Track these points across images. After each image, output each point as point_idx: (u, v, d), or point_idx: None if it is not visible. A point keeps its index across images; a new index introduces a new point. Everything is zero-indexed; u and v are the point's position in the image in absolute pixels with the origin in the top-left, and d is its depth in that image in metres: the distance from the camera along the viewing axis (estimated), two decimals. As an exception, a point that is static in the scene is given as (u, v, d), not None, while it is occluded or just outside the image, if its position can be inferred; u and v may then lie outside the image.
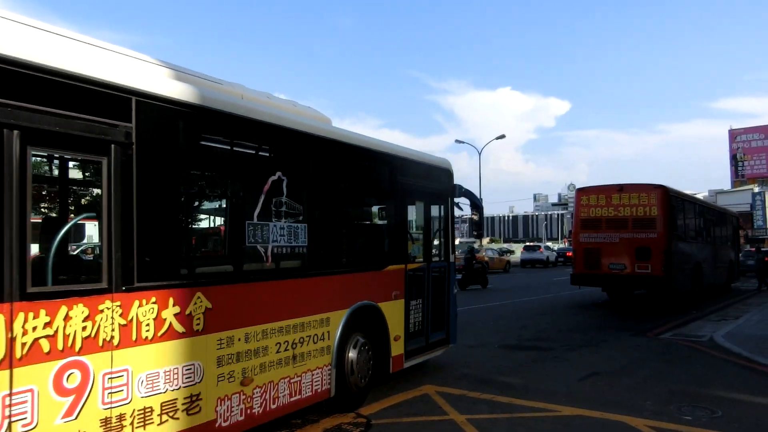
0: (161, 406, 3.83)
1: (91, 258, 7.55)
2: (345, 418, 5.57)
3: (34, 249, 3.59)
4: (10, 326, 3.02)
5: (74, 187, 5.75)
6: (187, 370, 4.03)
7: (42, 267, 3.45)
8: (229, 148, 4.74)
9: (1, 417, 2.97)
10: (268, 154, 5.15)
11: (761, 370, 7.82)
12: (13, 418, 3.02)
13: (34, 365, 3.12)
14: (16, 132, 3.10)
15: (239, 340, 4.49)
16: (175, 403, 3.93)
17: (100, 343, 3.45)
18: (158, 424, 3.80)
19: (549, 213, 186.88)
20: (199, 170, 4.64)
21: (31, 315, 3.11)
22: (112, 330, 3.52)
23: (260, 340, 4.71)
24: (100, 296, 3.47)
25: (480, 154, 40.40)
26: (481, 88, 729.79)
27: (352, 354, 5.85)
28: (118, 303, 3.56)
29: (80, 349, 3.34)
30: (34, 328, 3.13)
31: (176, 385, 3.94)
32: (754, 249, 25.73)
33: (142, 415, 3.71)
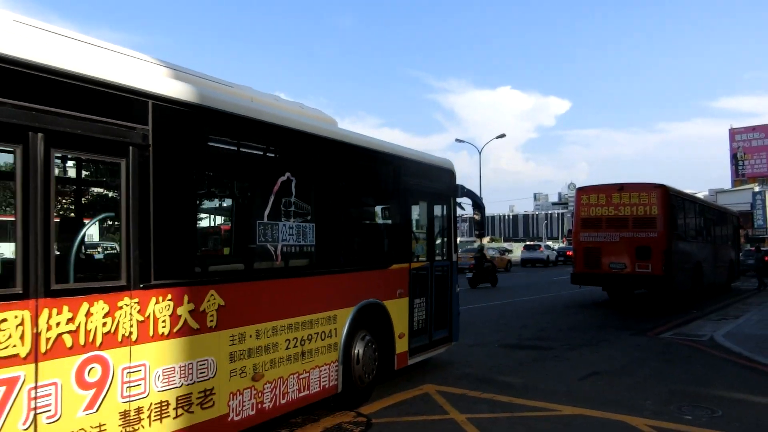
0: (177, 400, 3.95)
1: (110, 256, 7.67)
2: (345, 417, 5.59)
3: (57, 247, 3.71)
4: (35, 322, 3.14)
5: (94, 188, 5.86)
6: (200, 365, 4.15)
7: (64, 265, 3.57)
8: (239, 149, 4.85)
9: (27, 409, 3.09)
10: (277, 156, 5.26)
11: (761, 369, 7.86)
12: (38, 411, 3.14)
13: (58, 359, 3.24)
14: (40, 135, 3.21)
15: (250, 336, 4.61)
16: (189, 397, 4.05)
17: (119, 339, 3.56)
18: (174, 418, 3.92)
19: (549, 212, 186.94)
20: (212, 171, 4.76)
21: (54, 311, 3.23)
22: (131, 326, 3.64)
23: (270, 337, 4.82)
24: (119, 293, 3.59)
25: (480, 153, 40.46)
26: (481, 87, 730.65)
27: (358, 350, 5.96)
28: (136, 300, 3.68)
29: (101, 344, 3.45)
30: (58, 324, 3.24)
31: (191, 380, 4.06)
32: (754, 248, 25.86)
33: (159, 409, 3.82)
